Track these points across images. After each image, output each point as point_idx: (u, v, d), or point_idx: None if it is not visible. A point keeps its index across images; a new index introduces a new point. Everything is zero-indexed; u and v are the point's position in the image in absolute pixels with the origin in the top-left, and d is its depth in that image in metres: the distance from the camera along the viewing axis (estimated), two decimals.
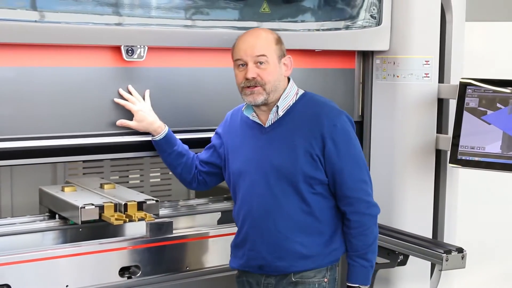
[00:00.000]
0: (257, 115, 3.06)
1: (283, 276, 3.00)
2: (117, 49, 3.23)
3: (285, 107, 3.02)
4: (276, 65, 3.00)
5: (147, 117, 3.24)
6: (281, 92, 3.02)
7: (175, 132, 3.37)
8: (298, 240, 2.97)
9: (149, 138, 3.31)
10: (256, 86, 2.96)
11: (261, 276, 3.04)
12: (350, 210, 2.99)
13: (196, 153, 3.33)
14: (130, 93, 3.26)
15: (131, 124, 3.24)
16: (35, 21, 2.97)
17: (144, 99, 3.29)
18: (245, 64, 2.98)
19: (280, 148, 2.98)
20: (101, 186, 3.68)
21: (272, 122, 3.03)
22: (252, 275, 3.07)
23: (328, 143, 2.94)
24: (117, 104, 3.28)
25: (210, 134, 3.36)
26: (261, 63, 2.96)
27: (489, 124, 3.66)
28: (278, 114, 3.01)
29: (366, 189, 3.01)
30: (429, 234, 3.98)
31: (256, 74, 2.96)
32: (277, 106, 3.00)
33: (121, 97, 3.25)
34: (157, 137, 3.25)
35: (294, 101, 3.04)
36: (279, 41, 3.05)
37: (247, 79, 2.96)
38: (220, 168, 3.24)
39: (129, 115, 3.28)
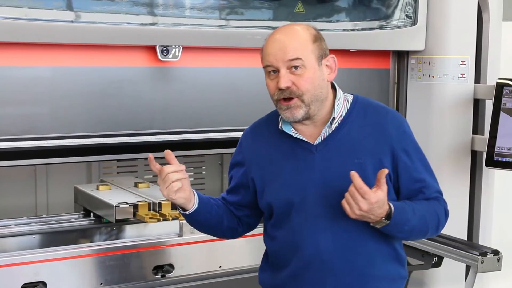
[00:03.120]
0: (295, 130, 2.50)
1: None
2: (152, 49, 3.25)
3: (340, 117, 2.49)
4: (316, 69, 2.41)
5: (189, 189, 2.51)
6: (327, 102, 2.48)
7: (208, 131, 3.38)
8: (376, 273, 2.50)
9: (183, 137, 3.33)
10: (292, 98, 2.40)
11: None
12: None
13: (220, 197, 2.72)
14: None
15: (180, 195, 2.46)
16: (71, 22, 3.00)
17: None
18: (277, 71, 2.40)
19: (343, 169, 2.40)
20: (135, 185, 3.70)
21: (324, 137, 2.48)
22: None
23: (401, 157, 2.47)
24: (151, 104, 3.30)
25: None
26: (295, 68, 2.38)
27: None
28: (331, 128, 2.47)
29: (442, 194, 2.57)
30: (464, 236, 3.95)
31: (291, 83, 2.38)
32: (333, 117, 2.46)
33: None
34: (193, 209, 2.53)
35: (346, 109, 2.50)
36: (317, 37, 2.45)
37: (280, 89, 2.40)
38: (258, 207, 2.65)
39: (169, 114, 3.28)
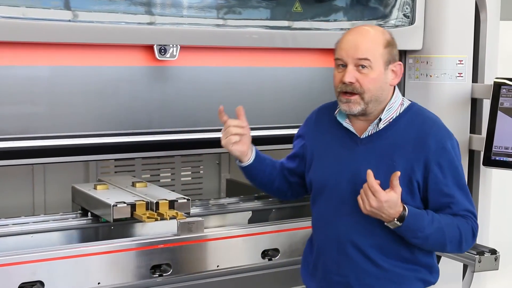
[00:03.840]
0: (350, 121, 2.74)
1: None
2: (149, 48, 3.24)
3: (388, 119, 2.69)
4: (381, 72, 2.62)
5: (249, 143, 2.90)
6: (384, 103, 2.68)
7: (205, 131, 3.38)
8: (387, 267, 2.69)
9: (181, 137, 3.33)
10: (354, 94, 2.61)
11: None
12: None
13: (280, 161, 3.04)
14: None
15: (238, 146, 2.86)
16: (69, 21, 3.00)
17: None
18: (345, 65, 2.62)
19: (376, 165, 2.62)
20: (133, 184, 3.70)
21: (370, 133, 2.70)
22: None
23: (433, 169, 2.62)
24: (149, 103, 3.30)
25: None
26: (363, 67, 2.60)
27: None
28: (378, 127, 2.69)
29: (475, 219, 2.69)
30: None
31: (355, 79, 2.60)
32: (380, 118, 2.67)
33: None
34: (247, 163, 2.91)
35: (398, 114, 2.70)
36: (390, 43, 2.68)
37: (343, 83, 2.61)
38: None
39: (166, 113, 3.29)
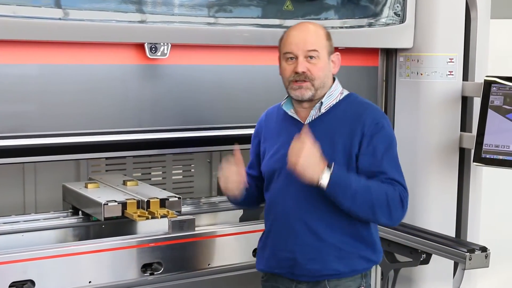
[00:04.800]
0: (295, 111, 2.95)
1: (315, 283, 2.88)
2: (140, 46, 3.24)
3: (329, 104, 2.91)
4: (326, 61, 2.89)
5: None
6: (326, 90, 2.91)
7: (196, 129, 3.38)
8: (332, 241, 2.85)
9: (172, 135, 3.33)
10: (305, 81, 2.85)
11: (292, 281, 2.91)
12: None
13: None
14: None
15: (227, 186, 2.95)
16: (59, 19, 2.99)
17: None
18: (295, 58, 2.86)
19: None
20: (124, 183, 3.69)
21: (313, 118, 2.91)
22: (282, 279, 2.94)
23: (366, 141, 2.82)
24: (140, 101, 3.31)
25: (233, 131, 3.37)
26: (312, 57, 2.85)
27: None
28: (320, 111, 2.90)
29: (404, 189, 2.82)
30: (452, 233, 3.96)
31: (306, 69, 2.84)
32: (321, 102, 2.89)
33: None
34: (239, 199, 3.00)
35: (337, 100, 2.93)
36: (329, 36, 2.94)
37: (296, 73, 2.85)
38: None
39: (157, 112, 3.30)
